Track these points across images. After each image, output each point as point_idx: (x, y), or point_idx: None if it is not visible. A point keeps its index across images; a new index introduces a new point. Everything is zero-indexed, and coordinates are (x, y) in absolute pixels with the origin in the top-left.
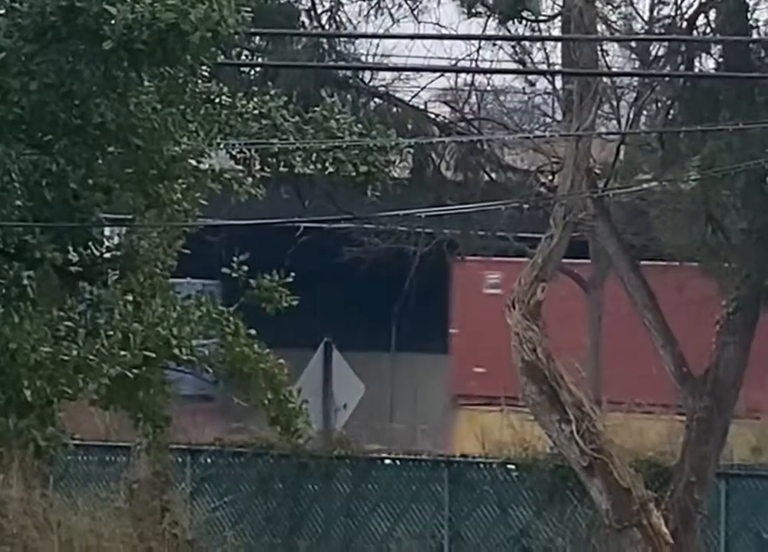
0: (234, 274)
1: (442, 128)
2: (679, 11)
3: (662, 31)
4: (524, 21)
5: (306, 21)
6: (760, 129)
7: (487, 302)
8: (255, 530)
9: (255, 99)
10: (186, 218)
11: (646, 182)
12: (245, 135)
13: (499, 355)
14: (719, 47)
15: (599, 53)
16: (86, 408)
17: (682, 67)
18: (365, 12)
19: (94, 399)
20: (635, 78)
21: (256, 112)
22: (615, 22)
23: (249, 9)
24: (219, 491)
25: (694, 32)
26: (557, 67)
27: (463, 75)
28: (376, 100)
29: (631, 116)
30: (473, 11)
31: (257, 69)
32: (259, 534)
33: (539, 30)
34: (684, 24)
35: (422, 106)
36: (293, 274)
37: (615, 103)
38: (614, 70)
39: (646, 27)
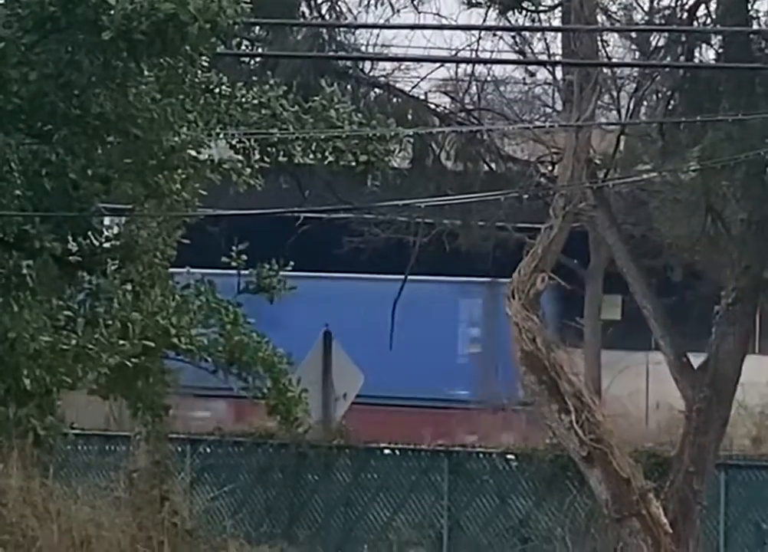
0: (234, 264)
1: (442, 118)
2: (679, 2)
3: (662, 21)
4: (524, 12)
5: (306, 11)
6: (760, 120)
7: None
8: (255, 519)
9: (255, 89)
10: (186, 208)
11: (646, 172)
12: (245, 125)
13: None
14: (719, 37)
15: (599, 43)
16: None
17: (682, 58)
18: (365, 2)
19: (93, 388)
20: (635, 69)
21: (255, 102)
22: (615, 12)
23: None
24: (219, 481)
25: (695, 23)
26: (557, 58)
27: (463, 65)
28: (376, 90)
29: (631, 106)
30: (473, 1)
31: (257, 59)
32: (258, 524)
33: (540, 20)
34: (685, 14)
35: (422, 97)
36: (292, 263)
37: (615, 93)
38: (614, 60)
39: (646, 17)
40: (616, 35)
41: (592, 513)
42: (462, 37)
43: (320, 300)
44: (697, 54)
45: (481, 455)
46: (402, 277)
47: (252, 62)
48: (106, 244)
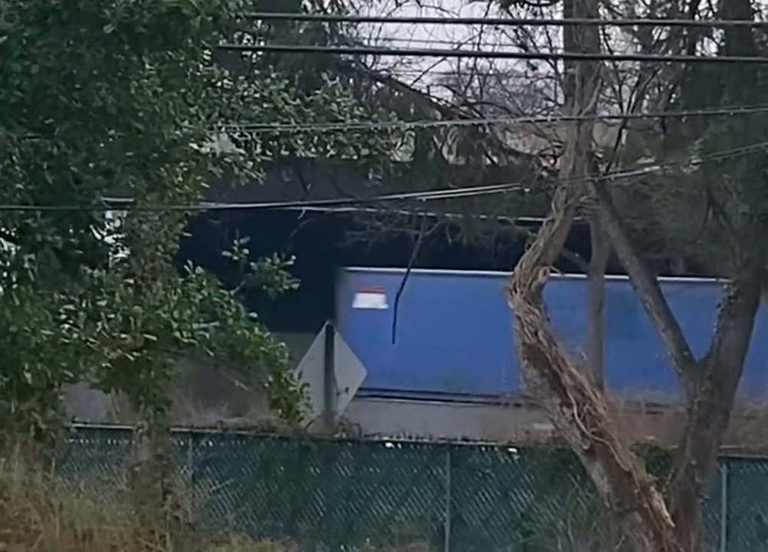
0: (235, 258)
1: (444, 112)
2: None
3: (664, 14)
4: (526, 5)
5: (309, 5)
6: (762, 114)
7: None
8: (257, 513)
9: (257, 82)
10: (188, 201)
11: (648, 166)
12: (246, 118)
13: None
14: (721, 31)
15: (601, 37)
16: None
17: (684, 51)
18: None
19: (95, 382)
20: (637, 62)
21: (257, 95)
22: (617, 6)
23: None
24: (221, 474)
25: (696, 16)
26: (559, 51)
27: (465, 59)
28: (378, 83)
29: (633, 100)
30: None
31: (259, 53)
32: (261, 517)
33: (542, 14)
34: (686, 8)
35: (424, 90)
36: (294, 257)
37: (617, 87)
38: (616, 54)
39: (648, 11)
40: (618, 29)
41: (594, 506)
42: (464, 30)
43: None
44: (698, 47)
45: (483, 449)
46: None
47: (254, 56)
48: (108, 238)
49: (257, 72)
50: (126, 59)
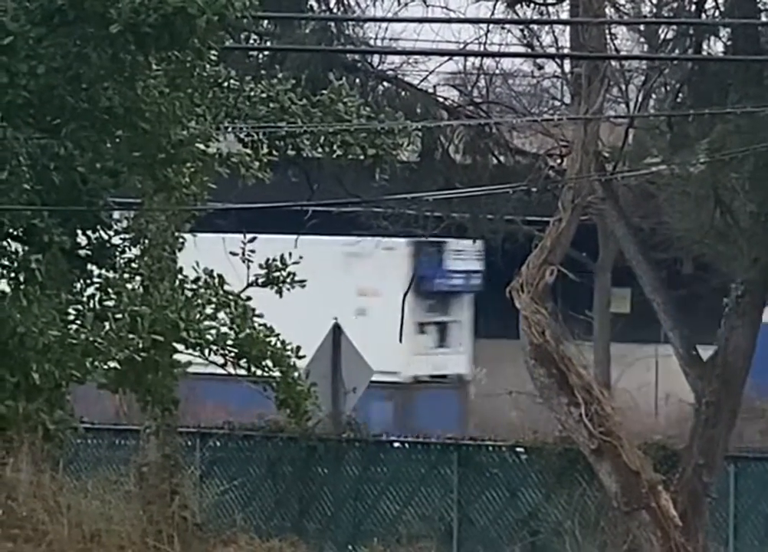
0: (242, 258)
1: (451, 111)
2: None
3: (671, 14)
4: (533, 5)
5: (315, 5)
6: None
7: None
8: (265, 513)
9: (263, 82)
10: (195, 201)
11: (655, 165)
12: (253, 118)
13: None
14: (727, 30)
15: (608, 36)
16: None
17: (690, 51)
18: None
19: (103, 382)
20: (644, 61)
21: (264, 95)
22: (623, 5)
23: None
24: (228, 474)
25: (703, 15)
26: (566, 51)
27: (471, 59)
28: (385, 83)
29: (640, 99)
30: None
31: (265, 53)
32: (268, 517)
33: (548, 13)
34: (693, 7)
35: (431, 90)
36: (301, 257)
37: (623, 86)
38: (622, 53)
39: (654, 10)
40: (624, 28)
41: (602, 506)
42: (470, 30)
43: None
44: (705, 46)
45: (491, 448)
46: None
47: (260, 56)
48: (115, 238)
49: (263, 72)
50: (132, 59)
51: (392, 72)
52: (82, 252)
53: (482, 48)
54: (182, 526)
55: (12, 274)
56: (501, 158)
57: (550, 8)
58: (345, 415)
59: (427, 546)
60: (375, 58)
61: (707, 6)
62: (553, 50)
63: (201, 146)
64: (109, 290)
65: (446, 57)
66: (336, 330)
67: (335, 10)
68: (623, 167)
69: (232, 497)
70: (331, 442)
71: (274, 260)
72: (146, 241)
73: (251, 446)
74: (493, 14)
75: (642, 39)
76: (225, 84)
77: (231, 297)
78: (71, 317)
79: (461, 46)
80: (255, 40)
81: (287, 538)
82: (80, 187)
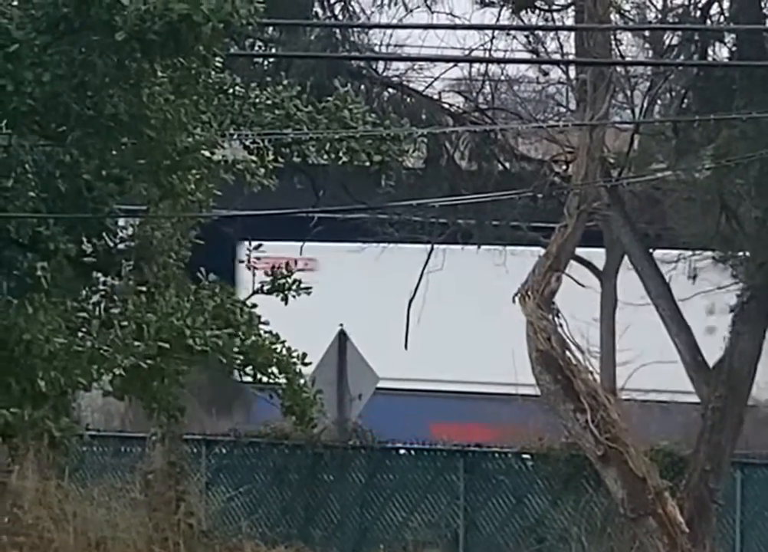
0: (248, 265)
1: (456, 118)
2: (692, 0)
3: (676, 19)
4: (538, 11)
5: (320, 12)
6: None
7: None
8: (270, 520)
9: (268, 89)
10: (200, 208)
11: (660, 171)
12: (258, 125)
13: None
14: (732, 35)
15: (613, 42)
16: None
17: (696, 56)
18: (378, 2)
19: (109, 390)
20: (649, 67)
21: (269, 102)
22: (628, 11)
23: (261, 0)
24: (234, 482)
25: (708, 21)
26: (571, 57)
27: (476, 65)
28: (390, 90)
29: (645, 105)
30: (486, 0)
31: (271, 60)
32: (274, 524)
33: (553, 19)
34: (698, 12)
35: (436, 96)
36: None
37: (628, 92)
38: (627, 59)
39: (659, 16)
40: (629, 34)
41: (608, 512)
42: (475, 36)
43: None
44: (710, 52)
45: (497, 455)
46: None
47: (266, 63)
48: (121, 246)
49: (268, 79)
50: (137, 66)
51: (397, 78)
52: (87, 260)
53: (487, 54)
54: (187, 533)
55: (18, 282)
56: (507, 164)
57: (555, 15)
58: (351, 422)
59: None
60: (381, 65)
61: (712, 12)
62: (558, 57)
63: (207, 153)
64: (115, 297)
65: (451, 64)
66: (342, 336)
67: (340, 17)
68: (628, 173)
69: (238, 504)
70: (337, 449)
71: (279, 268)
72: (152, 248)
73: (256, 453)
74: (498, 20)
75: (647, 45)
76: (231, 91)
77: (237, 304)
78: (77, 325)
79: (466, 52)
80: (260, 47)
81: (293, 545)
82: (86, 194)
